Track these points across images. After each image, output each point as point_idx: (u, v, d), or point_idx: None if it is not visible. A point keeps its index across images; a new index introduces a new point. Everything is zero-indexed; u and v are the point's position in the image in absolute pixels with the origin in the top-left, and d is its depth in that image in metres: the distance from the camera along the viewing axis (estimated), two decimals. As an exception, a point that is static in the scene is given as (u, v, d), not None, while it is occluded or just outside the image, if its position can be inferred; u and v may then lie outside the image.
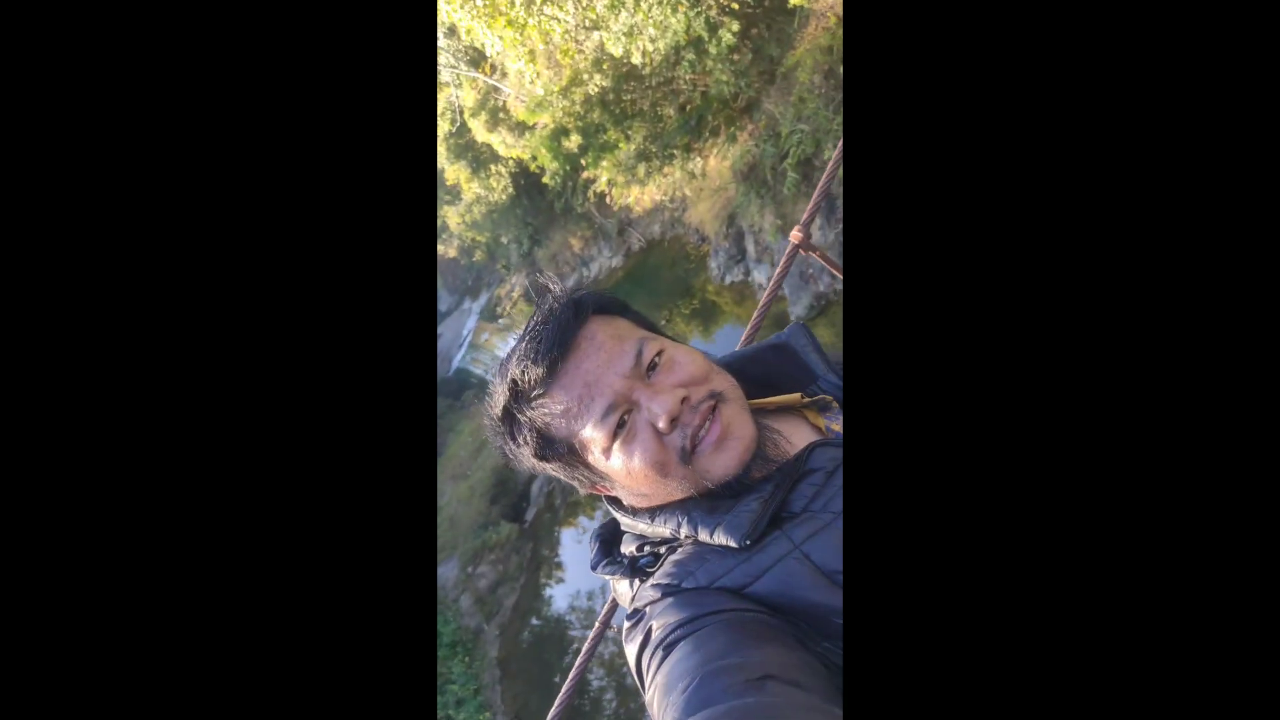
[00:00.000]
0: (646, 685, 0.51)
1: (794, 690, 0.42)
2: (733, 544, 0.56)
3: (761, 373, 0.70)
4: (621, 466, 0.59)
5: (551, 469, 0.62)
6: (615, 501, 0.66)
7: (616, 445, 0.58)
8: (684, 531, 0.60)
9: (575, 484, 0.65)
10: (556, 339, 0.59)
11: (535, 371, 0.58)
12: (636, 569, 0.63)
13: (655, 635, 0.53)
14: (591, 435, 0.59)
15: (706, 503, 0.60)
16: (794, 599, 0.53)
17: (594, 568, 0.67)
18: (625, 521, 0.66)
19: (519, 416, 0.61)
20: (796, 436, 0.64)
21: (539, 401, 0.59)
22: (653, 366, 0.60)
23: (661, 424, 0.57)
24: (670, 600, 0.55)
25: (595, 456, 0.60)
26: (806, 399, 0.69)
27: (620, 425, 0.58)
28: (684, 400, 0.58)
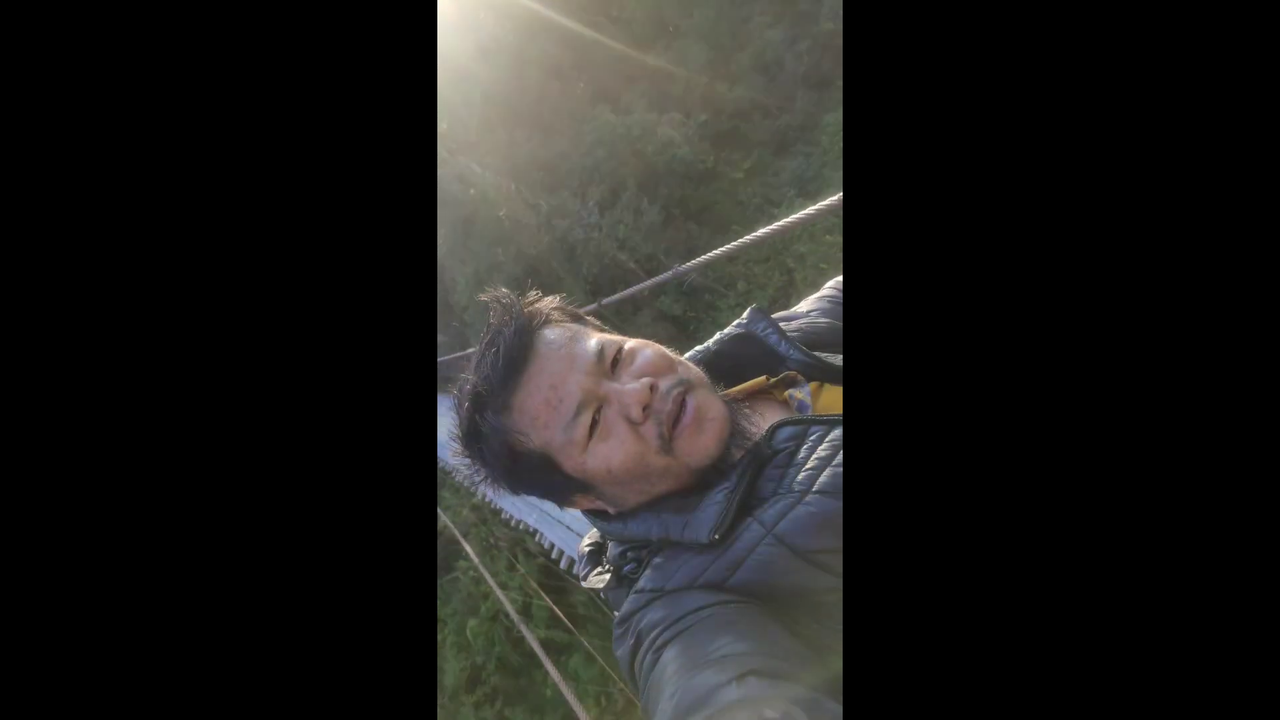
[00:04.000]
0: (641, 690, 0.50)
1: (778, 683, 0.41)
2: (701, 540, 0.54)
3: (730, 364, 0.69)
4: (601, 467, 0.57)
5: (527, 485, 0.60)
6: (595, 512, 0.64)
7: (592, 446, 0.56)
8: (656, 534, 0.58)
9: (552, 499, 0.62)
10: (514, 343, 0.57)
11: (497, 375, 0.57)
12: (621, 576, 0.61)
13: (644, 642, 0.52)
14: (565, 440, 0.56)
15: (677, 501, 0.58)
16: (775, 584, 0.52)
17: (582, 580, 0.65)
18: (606, 530, 0.64)
19: (486, 431, 0.58)
20: (767, 416, 0.63)
21: (506, 414, 0.57)
22: (615, 363, 0.59)
23: (634, 413, 0.56)
24: (654, 605, 0.54)
25: (573, 463, 0.57)
26: (773, 380, 0.67)
27: (593, 424, 0.56)
28: (652, 388, 0.56)
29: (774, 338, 0.68)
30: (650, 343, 0.61)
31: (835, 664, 0.45)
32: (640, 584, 0.57)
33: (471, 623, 7.17)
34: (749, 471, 0.56)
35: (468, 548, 4.78)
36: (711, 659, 0.44)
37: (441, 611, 7.42)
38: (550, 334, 0.59)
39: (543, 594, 6.09)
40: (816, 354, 0.66)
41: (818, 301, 0.78)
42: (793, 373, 0.67)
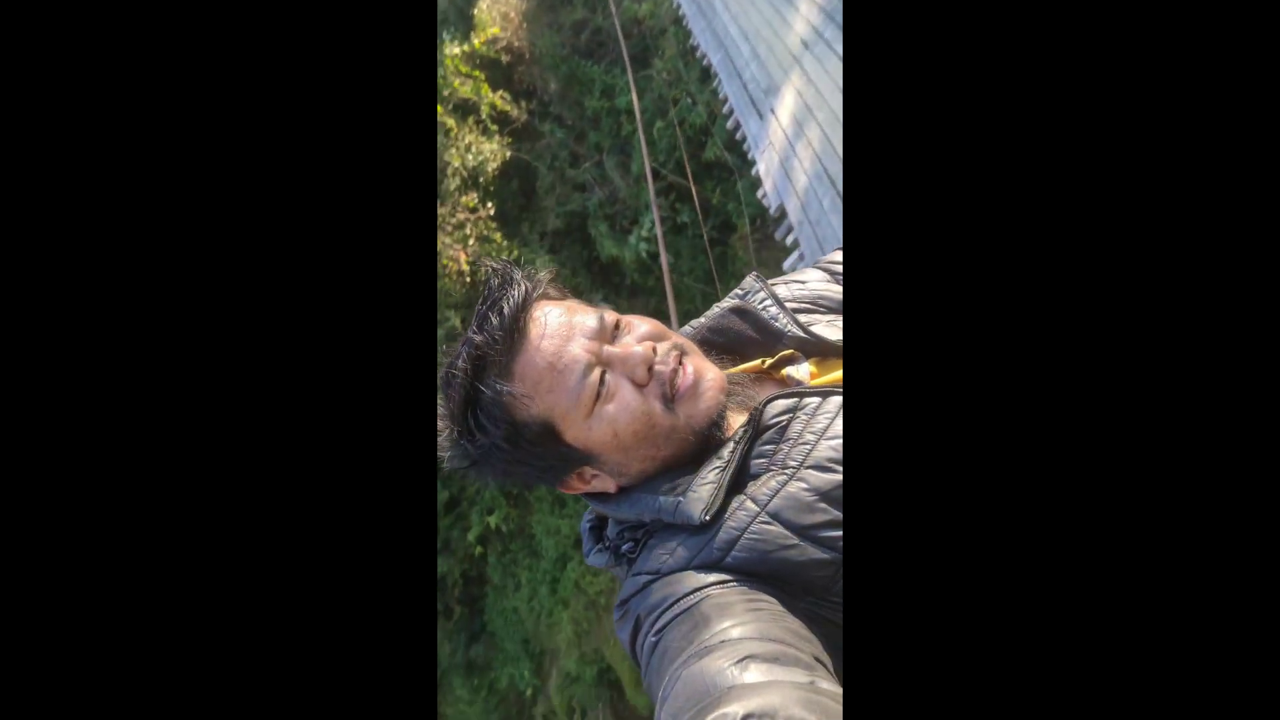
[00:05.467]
0: (643, 672, 0.51)
1: (775, 667, 0.41)
2: (693, 521, 0.54)
3: (725, 341, 0.67)
4: (606, 431, 0.57)
5: (524, 461, 0.59)
6: (591, 495, 0.64)
7: (598, 408, 0.57)
8: (649, 515, 0.58)
9: (548, 478, 0.62)
10: (520, 305, 0.57)
11: (501, 337, 0.56)
12: (620, 554, 0.62)
13: (643, 626, 0.53)
14: (570, 404, 0.57)
15: (668, 481, 0.58)
16: (770, 562, 0.52)
17: (587, 556, 0.67)
18: (602, 510, 0.64)
19: (486, 397, 0.57)
20: (765, 394, 0.61)
21: (507, 378, 0.56)
22: (615, 331, 0.60)
23: (639, 374, 0.57)
24: (651, 588, 0.54)
25: (575, 431, 0.58)
26: (769, 361, 0.65)
27: (600, 385, 0.57)
28: (654, 350, 0.58)
29: (772, 310, 0.65)
30: (643, 316, 0.62)
31: (836, 637, 0.49)
32: (637, 566, 0.58)
33: (659, 123, 7.52)
34: (739, 448, 0.56)
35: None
36: (711, 644, 0.44)
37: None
38: (547, 305, 0.60)
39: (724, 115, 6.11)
40: (814, 330, 0.64)
41: (827, 267, 0.74)
42: (791, 351, 0.65)
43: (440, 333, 5.58)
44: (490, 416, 0.57)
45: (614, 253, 6.10)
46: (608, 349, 0.58)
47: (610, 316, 0.60)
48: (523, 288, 0.58)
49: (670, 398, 0.58)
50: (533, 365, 0.56)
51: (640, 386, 0.57)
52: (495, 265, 0.60)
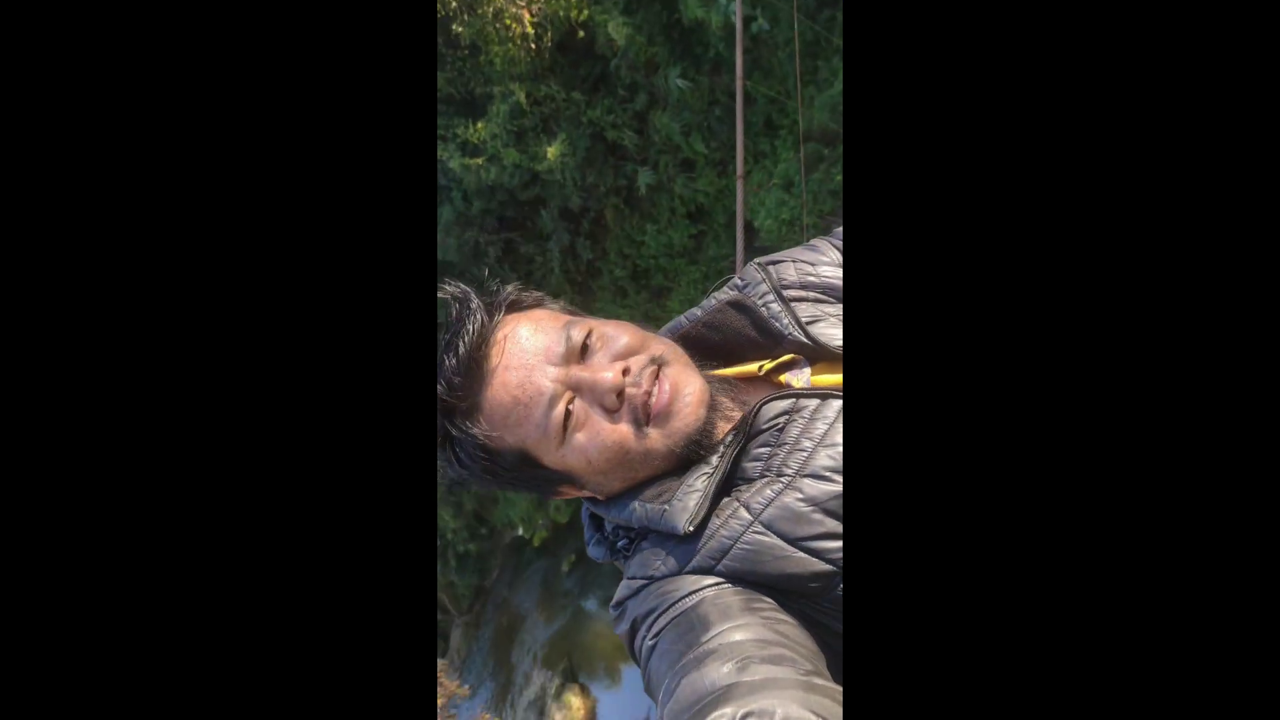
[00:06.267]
0: (642, 672, 0.52)
1: (773, 667, 0.42)
2: (677, 531, 0.53)
3: (722, 340, 0.63)
4: (580, 459, 0.56)
5: (508, 483, 0.59)
6: (585, 497, 0.63)
7: (568, 438, 0.55)
8: (636, 522, 0.57)
9: (536, 493, 0.61)
10: (475, 341, 0.54)
11: (460, 378, 0.54)
12: (616, 550, 0.62)
13: (639, 629, 0.54)
14: (540, 436, 0.55)
15: (656, 487, 0.56)
16: (763, 572, 0.52)
17: (588, 545, 0.66)
18: (595, 511, 0.63)
19: (458, 435, 0.56)
20: (757, 397, 0.58)
21: (474, 415, 0.55)
22: (585, 349, 0.56)
23: (608, 401, 0.54)
24: (645, 592, 0.55)
25: (552, 457, 0.56)
26: (769, 364, 0.61)
27: (567, 415, 0.55)
28: (625, 372, 0.55)
29: (773, 307, 0.60)
30: (621, 322, 0.58)
31: (830, 640, 0.49)
32: (630, 570, 0.57)
33: None
34: (729, 453, 0.54)
35: None
36: (710, 647, 0.45)
37: None
38: (512, 326, 0.56)
39: None
40: (819, 328, 0.59)
41: (836, 245, 0.66)
42: (792, 355, 0.61)
43: (504, 107, 5.20)
44: (466, 452, 0.57)
45: (699, 14, 5.28)
46: (575, 373, 0.55)
47: (579, 332, 0.56)
48: (478, 319, 0.55)
49: (644, 420, 0.55)
50: (498, 400, 0.55)
51: (611, 413, 0.55)
52: (455, 292, 0.56)
